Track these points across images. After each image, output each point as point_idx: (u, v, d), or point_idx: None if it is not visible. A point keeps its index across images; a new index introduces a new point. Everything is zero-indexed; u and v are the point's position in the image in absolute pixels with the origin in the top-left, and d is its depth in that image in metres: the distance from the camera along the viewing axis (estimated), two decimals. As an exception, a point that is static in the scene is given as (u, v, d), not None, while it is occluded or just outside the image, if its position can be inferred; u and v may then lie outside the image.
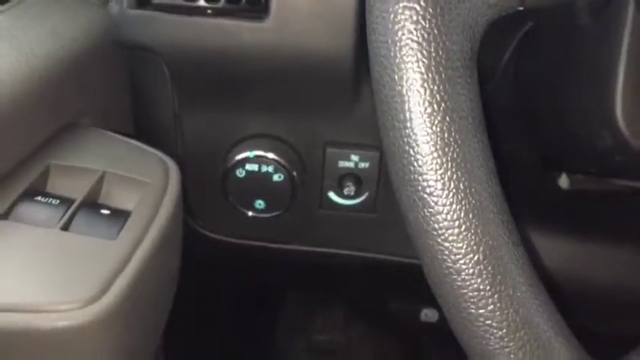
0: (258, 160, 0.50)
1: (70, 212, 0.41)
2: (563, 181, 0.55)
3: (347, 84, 0.47)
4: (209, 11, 0.46)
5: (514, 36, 0.51)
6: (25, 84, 0.43)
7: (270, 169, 0.50)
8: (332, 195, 0.53)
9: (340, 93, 0.48)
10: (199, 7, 0.46)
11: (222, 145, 0.51)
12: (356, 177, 0.52)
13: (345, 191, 0.52)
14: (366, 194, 0.52)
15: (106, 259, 0.38)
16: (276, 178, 0.50)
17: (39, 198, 0.42)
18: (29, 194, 0.42)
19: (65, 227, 0.40)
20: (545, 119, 0.49)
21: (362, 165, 0.51)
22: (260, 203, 0.51)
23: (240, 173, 0.50)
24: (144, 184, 0.45)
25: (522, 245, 0.31)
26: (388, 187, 0.48)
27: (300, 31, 0.45)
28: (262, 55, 0.47)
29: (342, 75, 0.47)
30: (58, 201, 0.42)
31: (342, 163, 0.51)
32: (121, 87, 0.53)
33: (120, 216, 0.42)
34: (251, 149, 0.50)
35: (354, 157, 0.51)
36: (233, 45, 0.46)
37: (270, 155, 0.50)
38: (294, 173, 0.50)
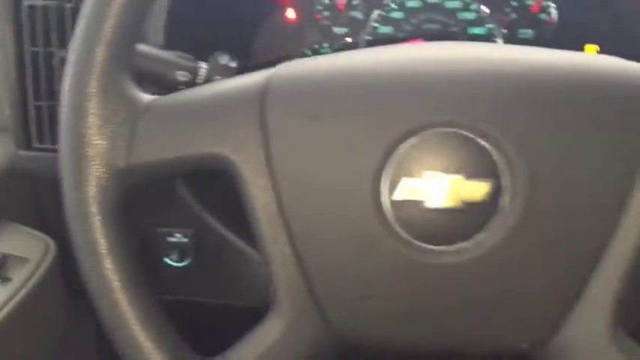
0: None
1: (-27, 281, 0.68)
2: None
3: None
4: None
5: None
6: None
7: None
8: (167, 260, 0.78)
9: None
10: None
11: None
12: (180, 248, 0.77)
13: (174, 258, 0.77)
14: (189, 259, 0.77)
15: (-14, 308, 0.65)
16: None
17: (-42, 273, 0.69)
18: (-46, 270, 0.69)
19: (-31, 291, 0.67)
20: None
21: (184, 240, 0.76)
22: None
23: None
24: (28, 260, 0.71)
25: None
26: (199, 255, 0.74)
27: None
28: None
29: None
30: (-32, 273, 0.69)
31: (170, 239, 0.77)
32: (28, 193, 0.80)
33: (6, 281, 0.69)
34: None
35: (178, 235, 0.76)
36: None
37: None
38: None
